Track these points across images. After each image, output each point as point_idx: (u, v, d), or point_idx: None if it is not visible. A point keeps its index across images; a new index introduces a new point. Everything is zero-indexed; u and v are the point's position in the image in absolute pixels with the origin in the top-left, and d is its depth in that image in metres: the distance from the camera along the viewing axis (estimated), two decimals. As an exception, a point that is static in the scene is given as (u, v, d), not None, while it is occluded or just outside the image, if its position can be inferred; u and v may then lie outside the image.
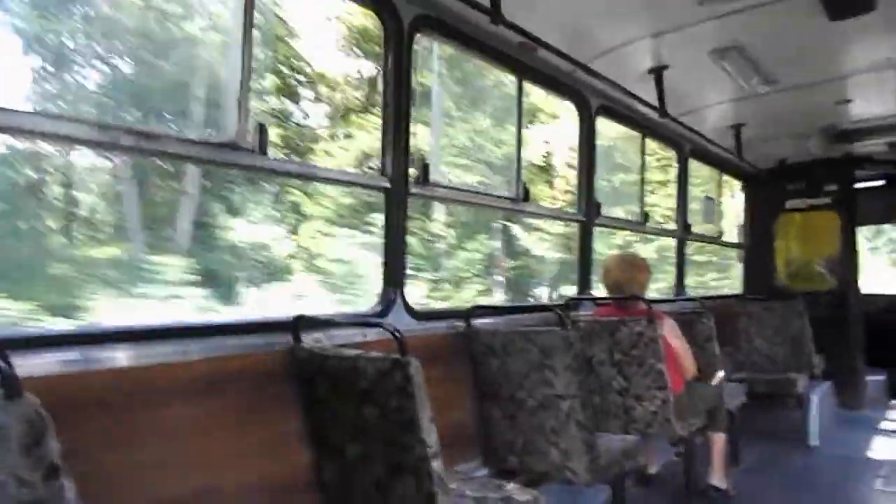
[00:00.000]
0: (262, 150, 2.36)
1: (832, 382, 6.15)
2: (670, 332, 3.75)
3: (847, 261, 6.79)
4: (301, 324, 2.46)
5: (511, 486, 2.49)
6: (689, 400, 3.79)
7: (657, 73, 4.19)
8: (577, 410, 2.81)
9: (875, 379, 6.84)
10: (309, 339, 2.47)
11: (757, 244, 7.26)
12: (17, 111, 1.83)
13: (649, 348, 3.44)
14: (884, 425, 6.06)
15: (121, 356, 1.97)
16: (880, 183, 7.34)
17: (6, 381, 1.25)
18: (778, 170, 6.95)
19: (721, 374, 4.32)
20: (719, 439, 4.23)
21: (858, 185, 6.94)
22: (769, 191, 7.16)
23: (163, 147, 2.12)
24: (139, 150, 2.09)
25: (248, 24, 2.32)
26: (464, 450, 3.11)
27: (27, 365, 1.64)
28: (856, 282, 6.87)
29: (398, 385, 2.02)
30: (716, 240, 7.02)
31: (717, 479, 4.22)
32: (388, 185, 2.92)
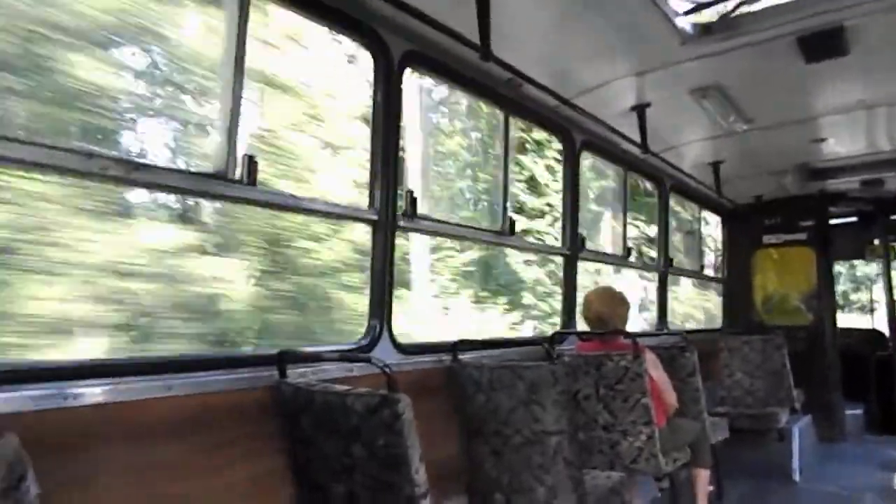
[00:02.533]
0: (251, 182, 2.34)
1: (811, 415, 6.19)
2: (651, 366, 3.75)
3: (823, 296, 6.90)
4: (286, 358, 2.41)
5: None
6: (672, 435, 3.77)
7: (640, 110, 4.28)
8: (565, 447, 2.77)
9: (853, 413, 6.91)
10: (294, 375, 2.43)
11: (736, 278, 7.36)
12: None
13: (635, 383, 3.43)
14: (863, 458, 6.10)
15: (99, 391, 1.91)
16: (853, 220, 7.52)
17: None
18: (755, 205, 7.09)
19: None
20: (703, 475, 4.21)
21: (833, 222, 7.10)
22: (747, 226, 7.28)
23: (151, 178, 2.10)
24: (127, 181, 2.07)
25: (240, 53, 2.33)
26: (449, 486, 3.05)
27: (3, 401, 1.58)
28: (833, 316, 6.97)
29: (386, 422, 1.97)
30: (697, 273, 7.10)
31: (702, 515, 4.19)
32: (375, 217, 2.92)
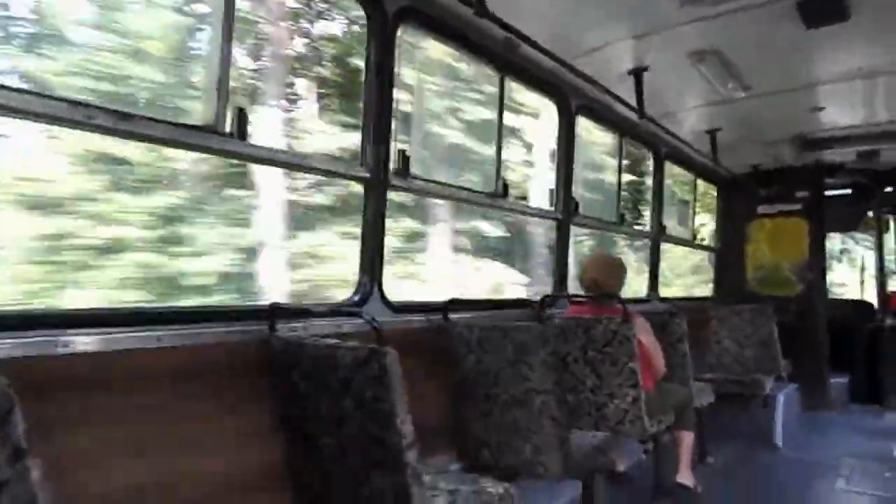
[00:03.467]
0: (242, 136, 2.33)
1: (798, 385, 6.30)
2: (642, 331, 3.79)
3: (815, 267, 6.95)
4: (276, 312, 2.43)
5: (484, 480, 2.49)
6: (659, 398, 3.84)
7: (637, 74, 4.23)
8: (551, 406, 2.82)
9: (838, 381, 7.03)
10: (284, 330, 2.45)
11: (729, 248, 7.39)
12: None
13: (623, 346, 3.47)
14: (846, 427, 6.23)
15: (89, 340, 1.93)
16: (848, 191, 7.53)
17: None
18: (751, 175, 7.08)
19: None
20: (687, 437, 4.30)
21: (828, 193, 7.11)
22: (742, 196, 7.29)
23: (138, 128, 2.08)
24: (113, 131, 2.04)
25: (229, 1, 2.28)
26: (438, 444, 3.11)
27: None
28: (823, 287, 7.04)
29: (375, 375, 2.00)
30: (689, 242, 7.13)
31: (685, 476, 4.28)
32: (367, 175, 2.91)
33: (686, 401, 4.22)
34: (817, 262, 6.98)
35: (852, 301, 8.54)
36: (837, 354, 7.00)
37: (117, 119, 2.02)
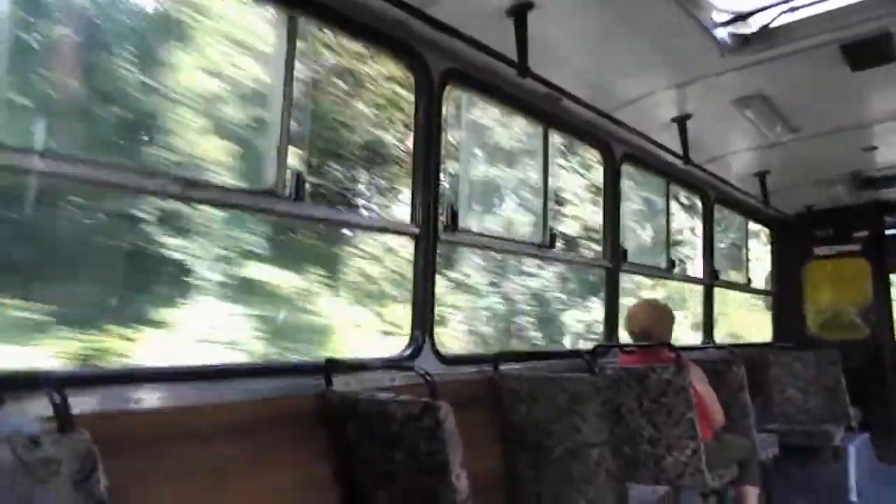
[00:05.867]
0: (300, 198, 2.46)
1: (870, 435, 5.95)
2: (697, 380, 3.69)
3: (880, 309, 6.65)
4: (332, 367, 2.50)
5: None
6: (719, 450, 3.70)
7: (681, 122, 4.26)
8: (607, 459, 2.77)
9: None
10: (339, 383, 2.51)
11: (786, 292, 7.16)
12: (58, 155, 1.90)
13: (679, 396, 3.39)
14: None
15: (160, 396, 2.03)
16: None
17: (60, 416, 1.30)
18: (805, 216, 6.90)
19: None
20: (752, 492, 4.10)
21: (888, 232, 6.86)
22: (797, 237, 7.09)
23: (207, 195, 2.23)
24: (184, 198, 2.20)
25: (290, 72, 2.45)
26: (490, 497, 3.07)
27: (76, 402, 1.70)
28: (891, 330, 6.71)
29: (428, 429, 2.03)
30: (744, 287, 6.95)
31: (752, 534, 4.08)
32: (417, 231, 3.00)
33: (749, 453, 4.05)
34: (882, 304, 6.68)
35: None
36: None
37: (186, 187, 2.17)
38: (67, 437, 1.29)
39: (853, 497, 5.26)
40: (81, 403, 1.78)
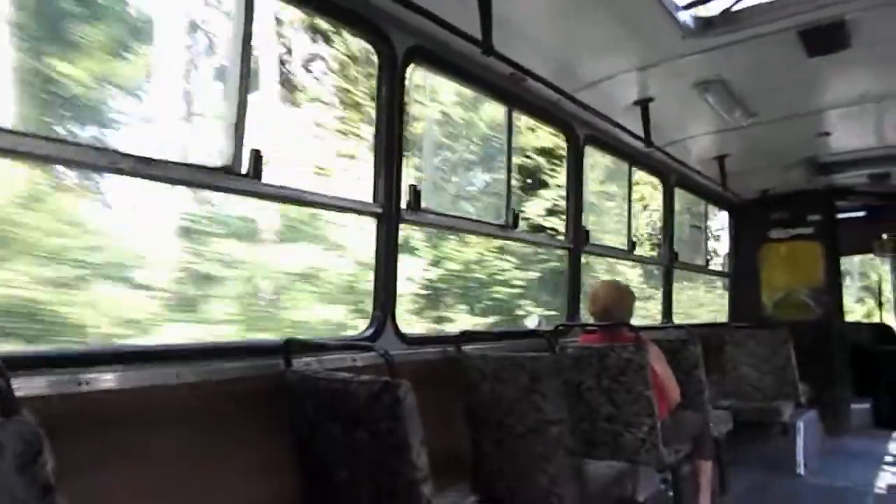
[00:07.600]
0: (257, 175, 2.40)
1: (818, 410, 6.19)
2: (655, 359, 3.77)
3: (831, 290, 6.89)
4: (291, 348, 2.47)
5: None
6: (675, 427, 3.80)
7: (643, 104, 4.30)
8: (566, 436, 2.81)
9: (860, 407, 6.90)
10: (299, 364, 2.48)
11: (742, 273, 7.36)
12: (4, 130, 1.82)
13: (638, 375, 3.46)
14: (870, 453, 6.10)
15: (112, 378, 1.98)
16: (861, 214, 7.50)
17: (4, 399, 1.26)
18: (762, 200, 7.09)
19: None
20: (706, 467, 4.23)
21: (840, 216, 7.09)
22: (754, 220, 7.28)
23: (160, 172, 2.16)
24: (136, 174, 2.12)
25: (246, 48, 2.38)
26: (453, 476, 3.10)
27: (21, 385, 1.65)
28: (840, 311, 6.97)
29: (389, 408, 2.03)
30: (702, 268, 7.11)
31: (705, 507, 4.21)
32: (379, 210, 2.97)
33: (703, 429, 4.17)
34: (833, 285, 6.93)
35: (871, 324, 8.43)
36: (857, 379, 6.89)
37: (138, 163, 2.10)
38: (11, 421, 1.25)
39: (800, 470, 5.48)
40: (27, 386, 1.73)
